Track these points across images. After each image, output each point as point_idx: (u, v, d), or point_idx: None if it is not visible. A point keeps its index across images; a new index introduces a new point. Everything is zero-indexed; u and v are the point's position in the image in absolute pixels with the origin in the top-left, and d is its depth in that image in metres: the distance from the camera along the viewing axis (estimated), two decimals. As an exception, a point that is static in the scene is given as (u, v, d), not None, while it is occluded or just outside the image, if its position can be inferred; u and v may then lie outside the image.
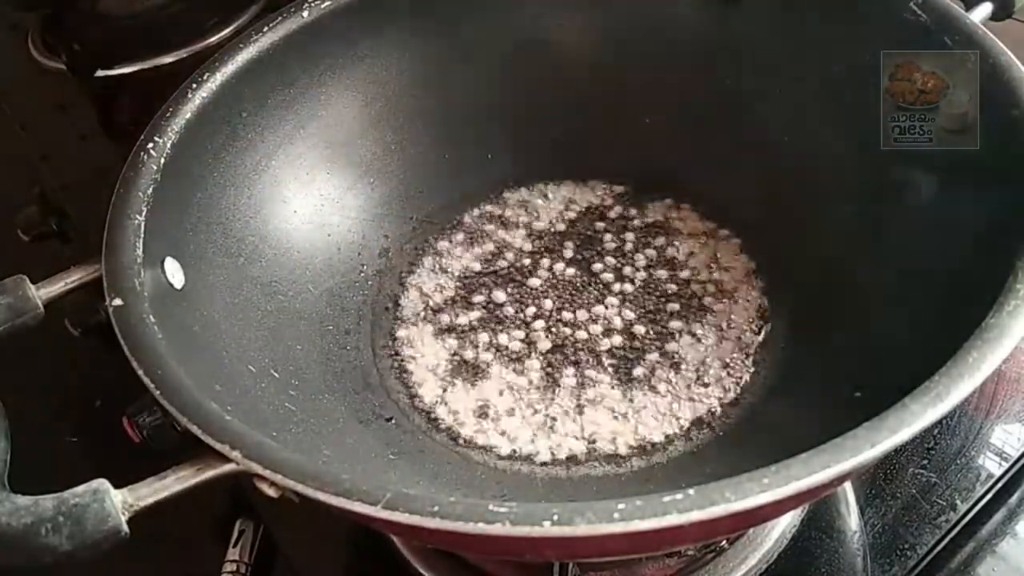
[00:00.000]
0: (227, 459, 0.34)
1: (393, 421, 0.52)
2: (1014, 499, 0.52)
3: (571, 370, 0.53)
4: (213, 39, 0.81)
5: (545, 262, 0.59)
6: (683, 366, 0.53)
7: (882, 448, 0.31)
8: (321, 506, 0.33)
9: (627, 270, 0.58)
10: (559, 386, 0.53)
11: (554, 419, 0.51)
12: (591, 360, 0.54)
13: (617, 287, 0.57)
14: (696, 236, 0.59)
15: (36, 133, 0.81)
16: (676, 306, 0.56)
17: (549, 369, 0.54)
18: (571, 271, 0.58)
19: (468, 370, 0.54)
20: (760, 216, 0.58)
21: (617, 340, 0.54)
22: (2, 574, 0.33)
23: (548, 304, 0.57)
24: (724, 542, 0.49)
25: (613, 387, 0.52)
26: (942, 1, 0.48)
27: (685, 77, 0.59)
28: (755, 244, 0.58)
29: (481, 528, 0.31)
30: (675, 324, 0.55)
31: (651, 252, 0.59)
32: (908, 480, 0.52)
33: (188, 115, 0.49)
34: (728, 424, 0.50)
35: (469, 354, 0.55)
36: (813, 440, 0.32)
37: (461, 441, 0.51)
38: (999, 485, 0.52)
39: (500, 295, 0.58)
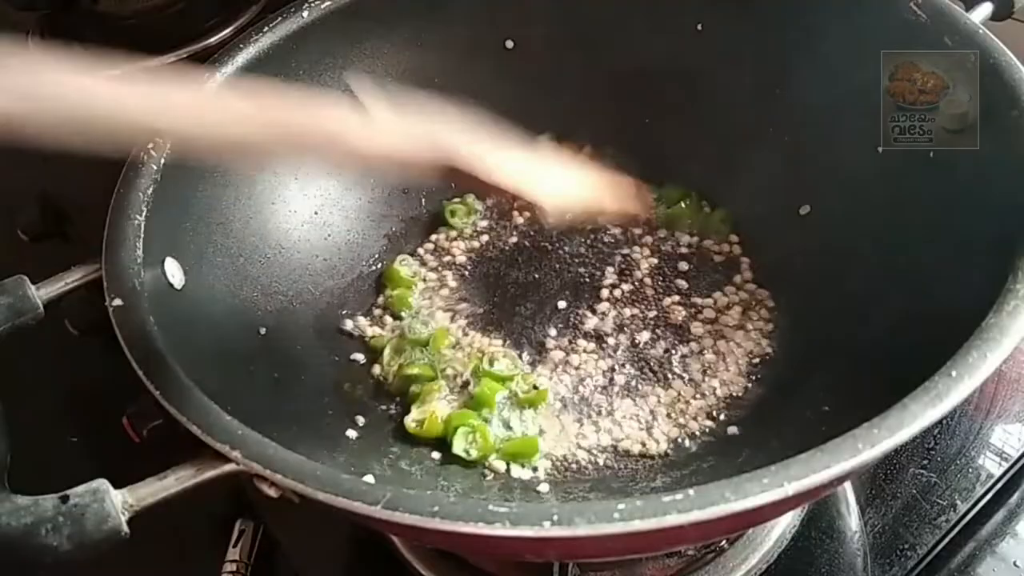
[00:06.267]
0: (227, 459, 0.34)
1: (393, 421, 0.52)
2: (1014, 499, 0.52)
3: (572, 371, 0.53)
4: (213, 39, 0.81)
5: (546, 263, 0.59)
6: (684, 366, 0.53)
7: (882, 448, 0.31)
8: (321, 506, 0.33)
9: (627, 270, 0.58)
10: (559, 387, 0.53)
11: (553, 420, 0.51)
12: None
13: (617, 288, 0.57)
14: (696, 236, 0.59)
15: (36, 133, 0.81)
16: (676, 306, 0.56)
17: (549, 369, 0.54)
18: (571, 272, 0.58)
19: (468, 370, 0.54)
20: (761, 217, 0.58)
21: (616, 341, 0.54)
22: (2, 574, 0.33)
23: (547, 305, 0.57)
24: (724, 542, 0.49)
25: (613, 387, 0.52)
26: (942, 1, 0.48)
27: (685, 77, 0.59)
28: (756, 244, 0.58)
29: (481, 528, 0.31)
30: (676, 324, 0.55)
31: (651, 252, 0.59)
32: (908, 480, 0.52)
33: (188, 115, 0.49)
34: (728, 424, 0.50)
35: (469, 354, 0.55)
36: (813, 440, 0.32)
37: (461, 441, 0.51)
38: (999, 485, 0.52)
39: (500, 296, 0.58)
